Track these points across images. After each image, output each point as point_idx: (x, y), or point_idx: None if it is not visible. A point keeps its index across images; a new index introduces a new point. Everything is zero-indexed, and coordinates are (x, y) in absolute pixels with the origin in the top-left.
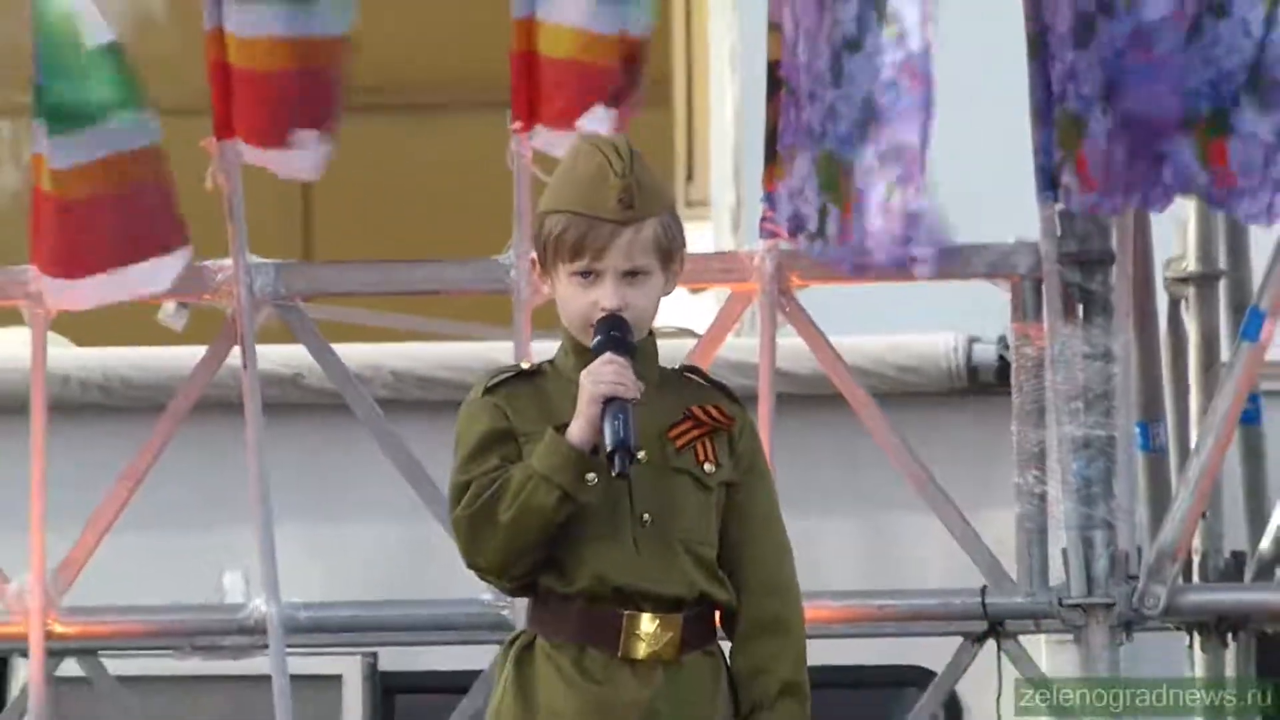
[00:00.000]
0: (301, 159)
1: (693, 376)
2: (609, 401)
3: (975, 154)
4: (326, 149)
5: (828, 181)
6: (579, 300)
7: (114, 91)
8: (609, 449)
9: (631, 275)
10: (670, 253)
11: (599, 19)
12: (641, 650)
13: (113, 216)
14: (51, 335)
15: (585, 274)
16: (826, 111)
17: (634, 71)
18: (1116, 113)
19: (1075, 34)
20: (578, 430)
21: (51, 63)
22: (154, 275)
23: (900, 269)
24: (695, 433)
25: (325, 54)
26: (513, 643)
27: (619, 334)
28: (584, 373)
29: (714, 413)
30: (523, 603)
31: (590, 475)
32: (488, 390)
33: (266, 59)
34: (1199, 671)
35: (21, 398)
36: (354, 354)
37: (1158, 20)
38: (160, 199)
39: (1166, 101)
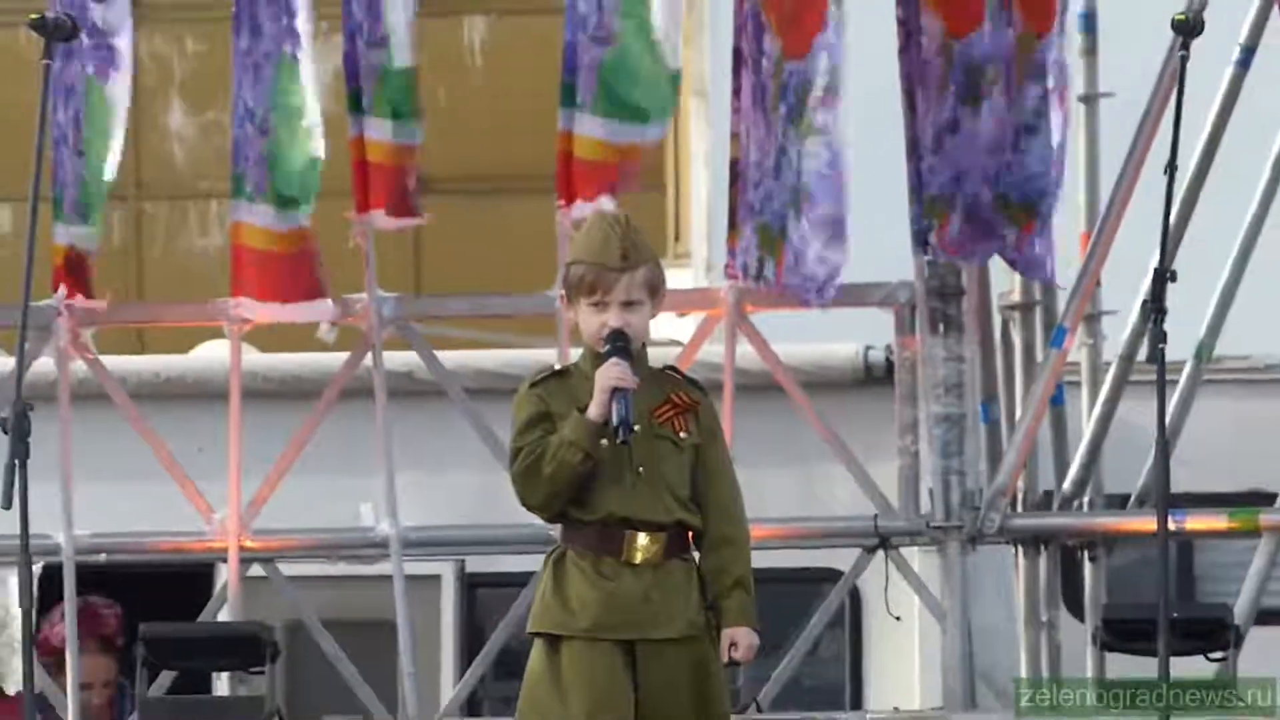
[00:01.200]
0: (406, 223)
1: (672, 373)
2: (615, 391)
3: (873, 219)
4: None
5: (764, 243)
6: (593, 322)
7: (306, 189)
8: (615, 424)
9: (629, 305)
10: (655, 289)
11: (618, 134)
12: (638, 557)
13: (292, 266)
14: (244, 345)
15: (598, 304)
16: (764, 196)
17: (634, 169)
18: (963, 198)
19: (935, 142)
20: (594, 411)
21: (282, 167)
22: (317, 309)
23: (821, 300)
24: (672, 411)
25: (412, 156)
26: (551, 554)
27: (621, 345)
28: (598, 371)
29: (685, 398)
30: (558, 527)
31: (603, 441)
32: (532, 385)
33: (388, 158)
34: (1022, 574)
35: (222, 386)
36: (448, 357)
37: (989, 137)
38: (314, 259)
39: (990, 193)
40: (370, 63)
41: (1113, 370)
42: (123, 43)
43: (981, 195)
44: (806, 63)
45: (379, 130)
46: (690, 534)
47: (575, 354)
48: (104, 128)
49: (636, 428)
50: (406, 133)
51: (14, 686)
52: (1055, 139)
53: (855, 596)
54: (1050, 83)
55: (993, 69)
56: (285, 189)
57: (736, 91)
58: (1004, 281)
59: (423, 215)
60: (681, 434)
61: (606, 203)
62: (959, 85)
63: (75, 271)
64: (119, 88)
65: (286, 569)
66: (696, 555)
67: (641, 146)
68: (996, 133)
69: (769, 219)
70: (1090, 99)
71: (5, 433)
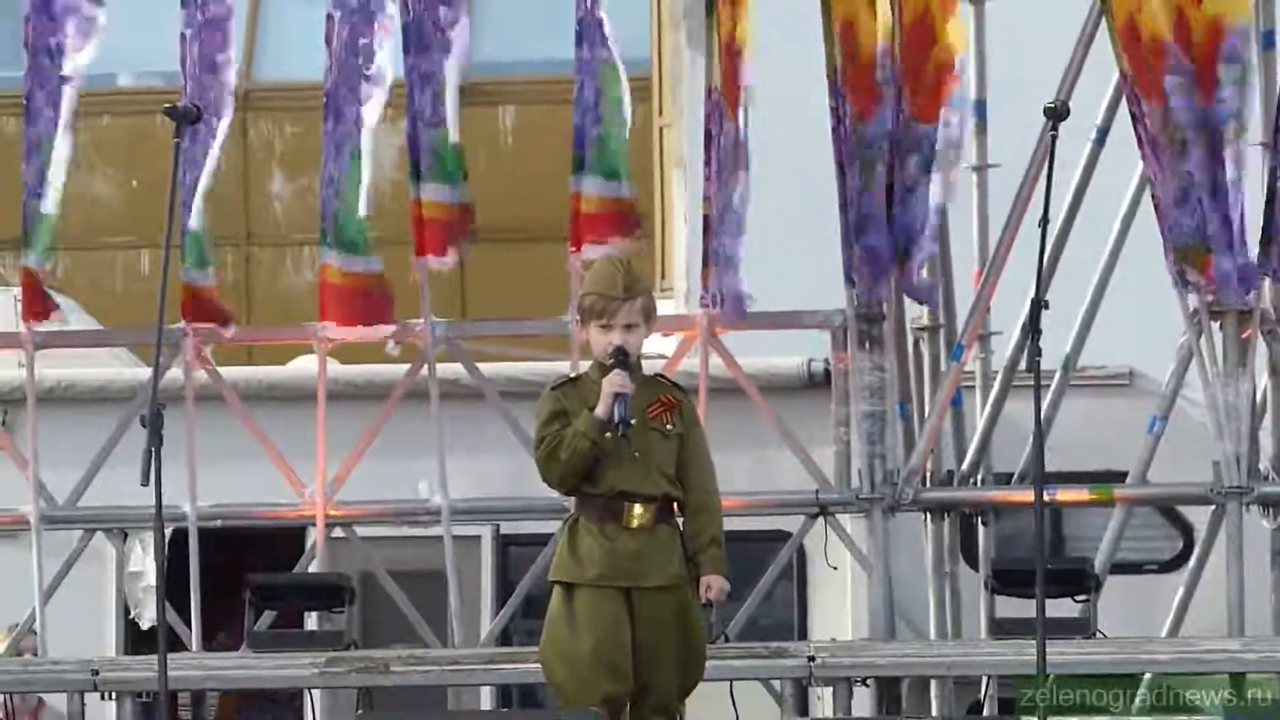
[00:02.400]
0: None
1: (661, 378)
2: (617, 396)
3: (816, 261)
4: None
5: (725, 277)
6: (601, 340)
7: (369, 237)
8: (617, 421)
9: (629, 327)
10: (650, 315)
11: (613, 190)
12: (635, 523)
13: (367, 299)
14: (329, 358)
15: (605, 326)
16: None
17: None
18: (864, 243)
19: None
20: (601, 410)
21: (346, 221)
22: (384, 332)
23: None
24: (661, 409)
25: (460, 212)
26: (567, 520)
27: (623, 359)
28: (605, 379)
29: (671, 398)
30: (572, 499)
31: (607, 434)
32: (552, 389)
33: (440, 214)
34: (930, 536)
35: (312, 390)
36: (486, 368)
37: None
38: (384, 294)
39: (891, 240)
40: (429, 139)
41: (1000, 378)
42: (223, 124)
43: (877, 242)
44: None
45: (435, 193)
46: (674, 504)
47: (584, 365)
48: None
49: (633, 422)
50: (456, 194)
51: (148, 623)
52: (932, 203)
53: (801, 553)
54: (927, 159)
55: (878, 147)
56: (348, 237)
57: (707, 163)
58: (915, 309)
59: (461, 257)
60: (669, 426)
61: (611, 248)
62: (862, 158)
63: (199, 303)
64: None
65: (361, 531)
66: (680, 521)
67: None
68: (886, 194)
69: (729, 259)
70: (981, 168)
71: (144, 426)
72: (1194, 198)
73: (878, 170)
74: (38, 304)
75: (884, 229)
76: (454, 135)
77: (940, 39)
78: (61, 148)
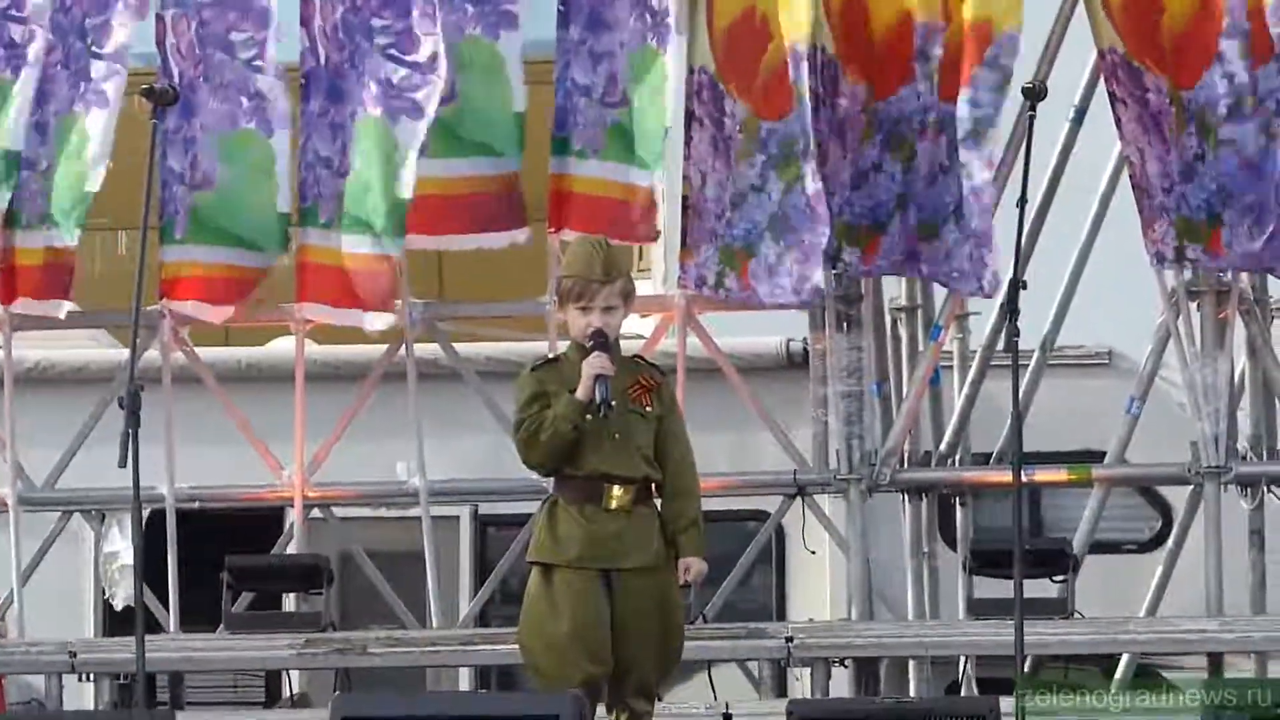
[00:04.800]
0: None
1: (640, 360)
2: (598, 378)
3: None
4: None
5: (727, 259)
6: (580, 322)
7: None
8: (598, 403)
9: (608, 309)
10: (628, 296)
11: (614, 174)
12: (614, 504)
13: (350, 279)
14: (306, 339)
15: (583, 309)
16: (726, 223)
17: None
18: (888, 225)
19: (852, 182)
20: (582, 393)
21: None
22: (373, 319)
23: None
24: (640, 390)
25: (510, 182)
26: (546, 501)
27: (602, 341)
28: (585, 362)
29: (650, 379)
30: (551, 481)
31: (588, 416)
32: (532, 370)
33: (462, 189)
34: (908, 516)
35: (289, 371)
36: (466, 349)
37: (915, 176)
38: (372, 281)
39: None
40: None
41: (977, 358)
42: (280, 105)
43: (906, 223)
44: (784, 125)
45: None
46: (653, 486)
47: (562, 346)
48: (267, 168)
49: (614, 404)
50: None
51: (121, 604)
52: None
53: (779, 533)
54: (959, 133)
55: (917, 122)
56: (375, 219)
57: (687, 143)
58: (893, 289)
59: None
60: (648, 408)
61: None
62: (885, 136)
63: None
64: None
65: (339, 512)
66: (658, 503)
67: (638, 186)
68: (926, 172)
69: (730, 241)
70: None
71: (122, 408)
72: (1204, 170)
73: (909, 148)
74: (66, 279)
75: (912, 208)
76: (519, 105)
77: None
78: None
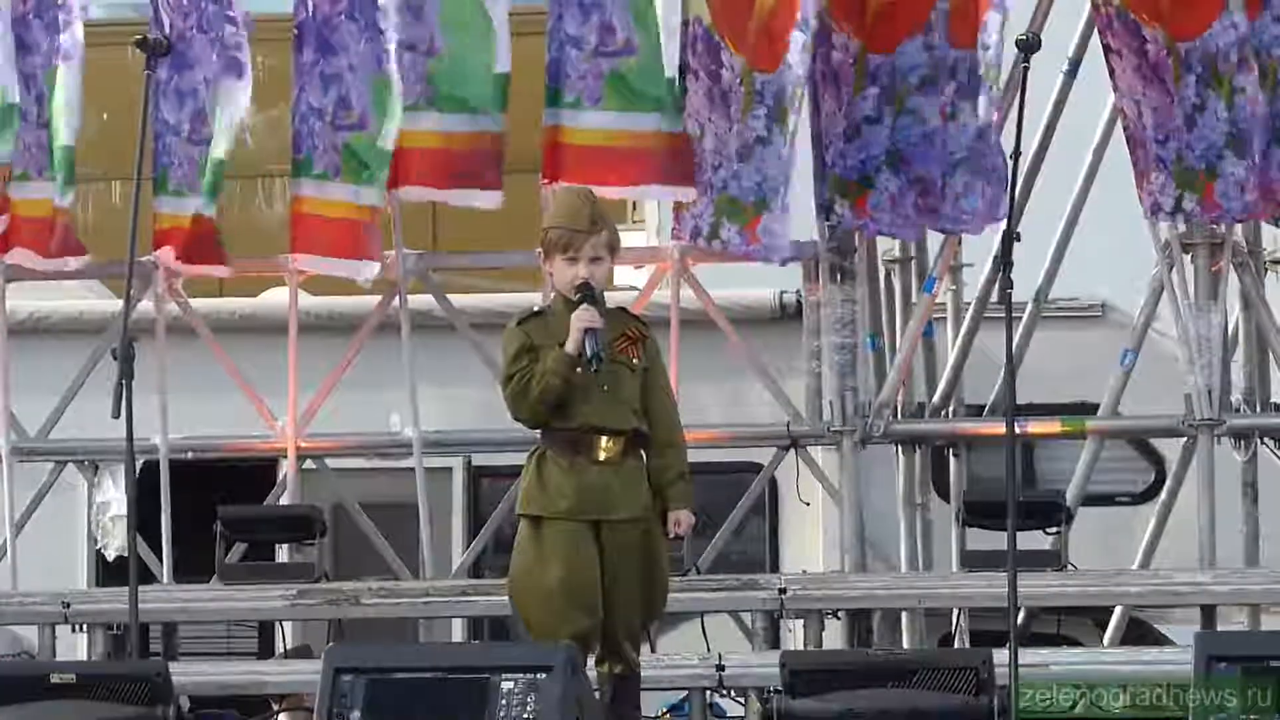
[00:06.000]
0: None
1: (624, 312)
2: (587, 330)
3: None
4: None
5: (727, 212)
6: (567, 274)
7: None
8: (589, 356)
9: (595, 260)
10: (614, 248)
11: (618, 123)
12: (603, 456)
13: (341, 231)
14: (300, 290)
15: (570, 260)
16: (730, 175)
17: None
18: (880, 178)
19: (845, 136)
20: (571, 346)
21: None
22: (363, 268)
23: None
24: (627, 343)
25: (487, 141)
26: (534, 453)
27: (590, 293)
28: (573, 315)
29: (635, 332)
30: (538, 433)
31: (579, 369)
32: (519, 323)
33: (433, 143)
34: (901, 468)
35: (283, 322)
36: (459, 299)
37: (920, 129)
38: (356, 230)
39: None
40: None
41: (971, 310)
42: (244, 56)
43: (901, 176)
44: (777, 77)
45: (438, 123)
46: (641, 438)
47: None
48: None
49: (603, 356)
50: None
51: (114, 554)
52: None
53: (773, 485)
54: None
55: (916, 76)
56: (369, 168)
57: (683, 95)
58: (886, 240)
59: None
60: (635, 360)
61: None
62: (883, 88)
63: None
64: (241, 91)
65: (332, 464)
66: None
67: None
68: (933, 124)
69: (737, 195)
70: None
71: (115, 359)
72: (1206, 117)
73: (918, 100)
74: (73, 240)
75: (923, 160)
76: (503, 65)
77: None
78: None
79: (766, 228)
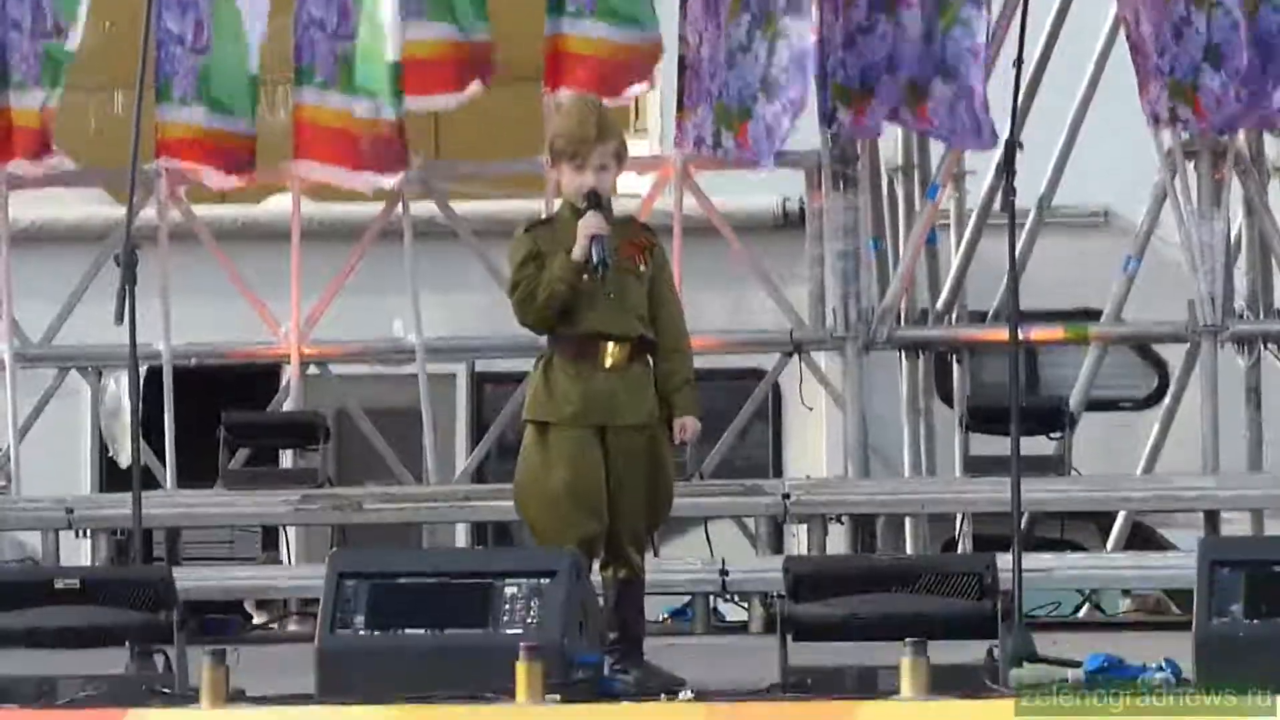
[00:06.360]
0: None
1: (632, 219)
2: (594, 237)
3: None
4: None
5: (724, 120)
6: (574, 181)
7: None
8: (595, 262)
9: (602, 168)
10: (621, 157)
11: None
12: (609, 362)
13: (343, 140)
14: (303, 197)
15: (577, 168)
16: (722, 84)
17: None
18: (868, 85)
19: (843, 45)
20: (578, 253)
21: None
22: (373, 179)
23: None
24: (634, 250)
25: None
26: (540, 358)
27: (596, 200)
28: (580, 222)
29: (643, 240)
30: (542, 339)
31: (585, 276)
32: (526, 230)
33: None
34: (904, 374)
35: (286, 229)
36: (462, 207)
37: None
38: (357, 141)
39: (893, 80)
40: None
41: (974, 217)
42: None
43: (896, 81)
44: None
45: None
46: (647, 344)
47: (557, 204)
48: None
49: (610, 262)
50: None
51: (125, 461)
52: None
53: (776, 391)
54: None
55: None
56: (366, 83)
57: (683, 3)
58: (889, 149)
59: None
60: (641, 267)
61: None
62: None
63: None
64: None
65: (336, 369)
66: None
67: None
68: (918, 31)
69: (727, 102)
70: None
71: (119, 266)
72: (1190, 30)
73: (903, 10)
74: (37, 144)
75: (915, 64)
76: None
77: None
78: None
79: (753, 134)
